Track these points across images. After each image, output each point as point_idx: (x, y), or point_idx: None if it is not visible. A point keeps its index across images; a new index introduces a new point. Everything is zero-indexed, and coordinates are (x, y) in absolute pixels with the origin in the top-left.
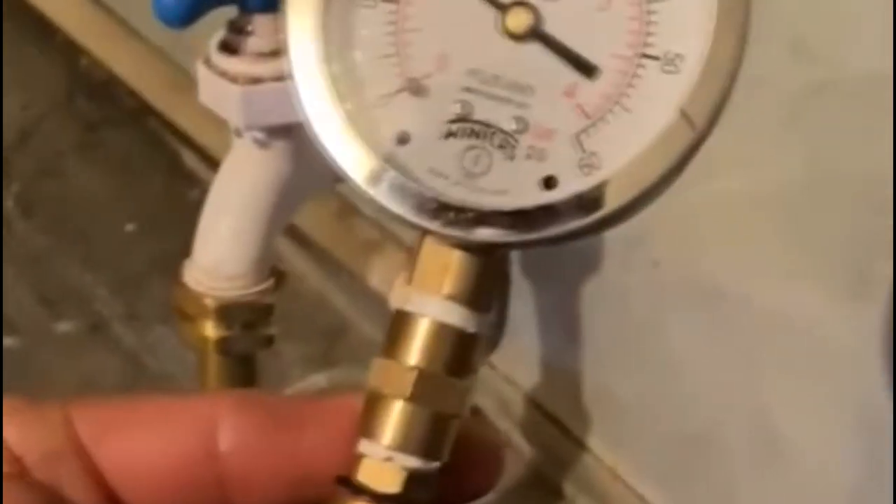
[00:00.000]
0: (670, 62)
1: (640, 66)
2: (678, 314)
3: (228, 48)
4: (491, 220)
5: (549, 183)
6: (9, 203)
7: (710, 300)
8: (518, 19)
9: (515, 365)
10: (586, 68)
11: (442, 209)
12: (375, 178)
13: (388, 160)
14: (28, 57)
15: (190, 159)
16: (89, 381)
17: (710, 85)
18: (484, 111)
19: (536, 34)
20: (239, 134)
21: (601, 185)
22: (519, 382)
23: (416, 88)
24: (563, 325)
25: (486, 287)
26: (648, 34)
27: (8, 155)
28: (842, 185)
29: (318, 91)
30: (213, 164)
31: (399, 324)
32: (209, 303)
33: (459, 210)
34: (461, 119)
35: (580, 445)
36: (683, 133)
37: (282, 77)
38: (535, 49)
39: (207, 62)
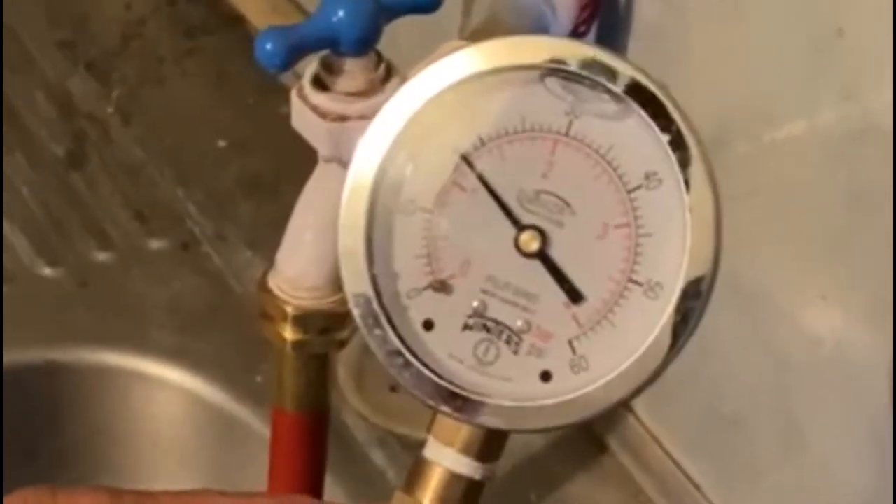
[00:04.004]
0: (651, 289)
1: (626, 289)
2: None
3: (320, 84)
4: (493, 410)
5: (546, 377)
6: (109, 109)
7: (749, 301)
8: (529, 240)
9: None
10: (574, 295)
11: (452, 396)
12: (400, 359)
13: (414, 343)
14: None
15: (283, 74)
16: (178, 301)
17: (682, 313)
18: (496, 311)
19: (542, 256)
20: (326, 159)
21: (588, 387)
22: None
23: (441, 286)
24: None
25: (492, 443)
26: (636, 263)
27: (111, 59)
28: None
29: (361, 287)
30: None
31: (419, 466)
32: (289, 310)
33: (467, 399)
34: (477, 315)
35: (627, 408)
36: (658, 353)
37: (366, 115)
38: (541, 266)
39: (301, 93)
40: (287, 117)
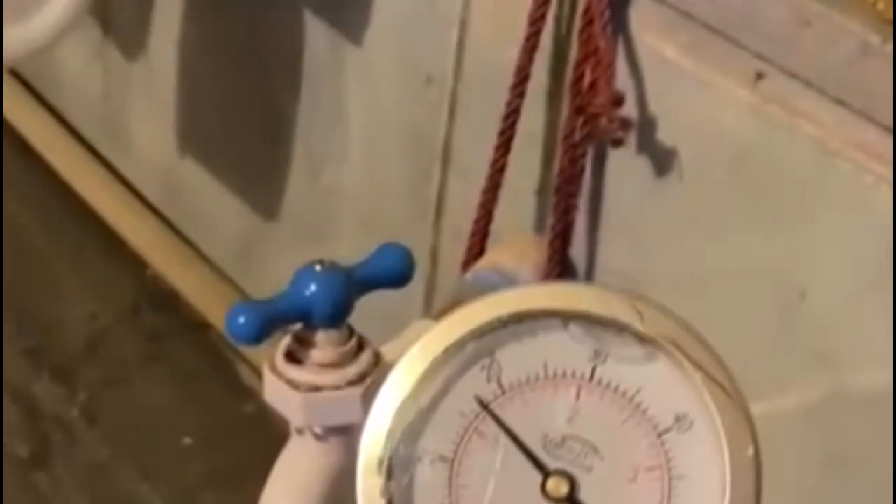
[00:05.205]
0: None
1: None
2: None
3: (293, 357)
4: None
5: None
6: (74, 412)
7: None
8: (557, 486)
9: None
10: None
11: None
12: None
13: None
14: (97, 266)
15: (247, 374)
16: None
17: None
18: None
19: (571, 501)
20: (299, 430)
21: None
22: None
23: None
24: None
25: None
26: None
27: (76, 364)
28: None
29: None
30: None
31: None
32: None
33: None
34: None
35: None
36: None
37: (340, 386)
38: None
39: (273, 367)
40: (250, 415)
